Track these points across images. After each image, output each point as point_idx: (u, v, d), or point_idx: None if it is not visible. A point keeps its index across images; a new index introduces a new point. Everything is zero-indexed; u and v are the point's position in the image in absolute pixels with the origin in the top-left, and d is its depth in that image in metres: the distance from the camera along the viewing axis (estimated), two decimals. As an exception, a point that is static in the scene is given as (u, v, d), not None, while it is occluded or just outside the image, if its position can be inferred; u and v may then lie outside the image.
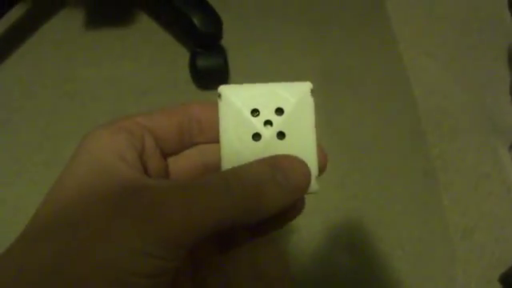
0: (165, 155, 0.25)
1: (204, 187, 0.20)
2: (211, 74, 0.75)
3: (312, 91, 0.23)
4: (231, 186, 0.20)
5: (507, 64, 0.92)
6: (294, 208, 0.24)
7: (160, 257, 0.18)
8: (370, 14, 0.94)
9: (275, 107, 0.23)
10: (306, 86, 0.23)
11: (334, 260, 0.64)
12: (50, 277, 0.18)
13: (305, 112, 0.23)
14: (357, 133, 0.76)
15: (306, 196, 0.24)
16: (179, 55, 0.81)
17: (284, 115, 0.23)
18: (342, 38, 0.89)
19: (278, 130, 0.23)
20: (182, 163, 0.26)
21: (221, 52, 0.75)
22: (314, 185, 0.23)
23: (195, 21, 0.72)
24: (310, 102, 0.23)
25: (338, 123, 0.77)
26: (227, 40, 0.77)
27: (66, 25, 0.84)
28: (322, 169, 0.24)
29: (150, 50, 0.82)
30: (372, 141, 0.76)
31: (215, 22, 0.74)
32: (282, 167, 0.21)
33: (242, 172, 0.21)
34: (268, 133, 0.23)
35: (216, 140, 0.23)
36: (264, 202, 0.20)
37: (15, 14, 0.82)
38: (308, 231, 0.65)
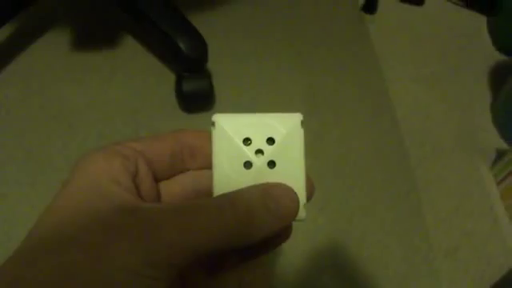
0: (156, 180, 0.26)
1: (198, 210, 0.21)
2: (197, 98, 0.76)
3: (302, 122, 0.24)
4: (224, 209, 0.21)
5: (488, 83, 0.94)
6: (282, 234, 0.25)
7: (152, 277, 0.19)
8: (352, 37, 0.96)
9: (267, 137, 0.24)
10: (296, 118, 0.24)
11: (318, 281, 0.64)
12: None
13: (295, 142, 0.24)
14: (341, 154, 0.77)
15: (293, 223, 0.25)
16: (166, 77, 0.82)
17: (275, 145, 0.24)
18: (327, 61, 0.90)
19: (268, 159, 0.24)
20: (174, 188, 0.26)
21: (206, 76, 0.76)
22: (301, 212, 0.24)
23: (181, 45, 0.73)
24: (299, 133, 0.24)
25: (323, 145, 0.78)
26: (213, 63, 0.78)
27: (53, 45, 0.84)
28: (309, 197, 0.25)
29: (137, 72, 0.83)
30: (356, 162, 0.77)
31: (201, 45, 0.75)
32: (272, 194, 0.22)
33: (234, 197, 0.22)
34: (259, 161, 0.24)
35: (207, 166, 0.24)
36: (255, 226, 0.21)
37: (2, 33, 0.83)
38: (293, 252, 0.66)
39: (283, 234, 0.25)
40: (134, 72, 0.83)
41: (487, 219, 0.75)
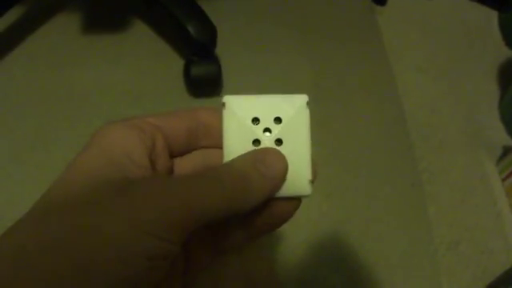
0: (171, 155, 0.26)
1: (200, 178, 0.22)
2: (205, 83, 0.76)
3: (308, 103, 0.25)
4: (221, 177, 0.22)
5: (496, 79, 0.94)
6: (282, 214, 0.26)
7: (161, 237, 0.19)
8: (361, 27, 0.96)
9: (274, 116, 0.25)
10: (302, 99, 0.25)
11: (319, 270, 0.65)
12: (51, 253, 0.18)
13: (301, 121, 0.25)
14: (346, 144, 0.77)
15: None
16: (174, 62, 0.82)
17: (282, 124, 0.25)
18: (334, 50, 0.90)
19: (276, 137, 0.25)
20: (186, 165, 0.27)
21: (215, 61, 0.76)
22: (306, 188, 0.25)
23: (190, 29, 0.73)
24: (306, 113, 0.25)
25: (328, 134, 0.78)
26: (221, 49, 0.78)
27: (62, 28, 0.84)
28: (314, 175, 0.26)
29: (145, 56, 0.83)
30: (360, 152, 0.77)
31: (210, 31, 0.75)
32: (262, 158, 0.24)
33: (230, 165, 0.24)
34: (267, 139, 0.25)
35: (220, 145, 0.25)
36: (250, 189, 0.23)
37: (12, 15, 0.83)
38: (294, 240, 0.66)
39: (283, 213, 0.26)
40: (142, 56, 0.83)
41: (490, 215, 0.75)
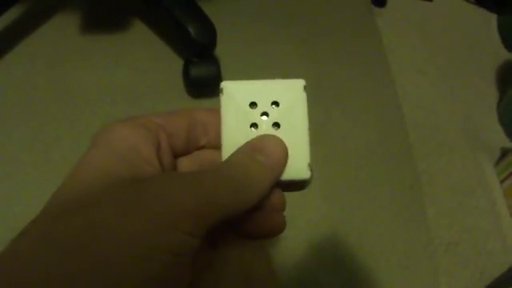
0: (174, 154, 0.26)
1: (212, 173, 0.22)
2: (204, 84, 0.76)
3: (305, 87, 0.25)
4: (222, 172, 0.22)
5: (494, 81, 0.94)
6: (276, 223, 0.25)
7: (185, 231, 0.19)
8: (361, 29, 0.96)
9: (271, 100, 0.25)
10: (299, 83, 0.26)
11: (318, 271, 0.65)
12: (77, 250, 0.18)
13: (298, 105, 0.25)
14: (345, 145, 0.78)
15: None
16: (173, 62, 0.82)
17: (279, 107, 0.25)
18: (333, 51, 0.90)
19: (273, 121, 0.25)
20: (187, 165, 0.27)
21: (214, 61, 0.76)
22: (305, 172, 0.25)
23: (190, 30, 0.73)
24: (303, 97, 0.25)
25: (327, 135, 0.78)
26: (220, 49, 0.78)
27: (61, 28, 0.84)
28: None
29: (145, 56, 0.83)
30: (360, 153, 0.77)
31: (210, 31, 0.75)
32: (259, 148, 0.24)
33: (229, 159, 0.24)
34: (264, 123, 0.25)
35: (219, 142, 0.25)
36: (250, 181, 0.22)
37: (11, 15, 0.83)
38: (294, 241, 0.66)
39: (277, 222, 0.25)
40: (142, 56, 0.83)
41: (489, 216, 0.75)
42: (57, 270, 0.17)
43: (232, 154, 0.24)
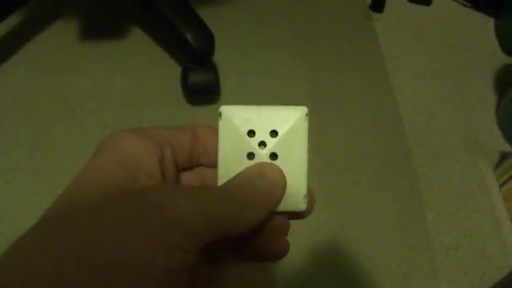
0: (178, 168, 0.26)
1: (212, 188, 0.23)
2: (202, 90, 0.76)
3: (307, 116, 0.24)
4: (222, 190, 0.22)
5: (493, 85, 0.94)
6: (279, 244, 0.26)
7: (183, 248, 0.19)
8: (359, 34, 0.96)
9: (270, 129, 0.24)
10: (301, 111, 0.24)
11: (318, 277, 0.65)
12: (74, 259, 0.18)
13: (298, 135, 0.24)
14: (344, 151, 0.78)
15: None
16: (171, 69, 0.82)
17: (278, 137, 0.24)
18: (332, 57, 0.90)
19: (271, 151, 0.24)
20: (189, 180, 0.27)
21: (212, 68, 0.77)
22: (300, 203, 0.24)
23: (188, 37, 0.73)
24: (303, 127, 0.24)
25: (326, 141, 0.78)
26: (219, 56, 0.78)
27: (60, 35, 0.85)
28: (308, 208, 0.25)
29: (143, 63, 0.83)
30: (358, 159, 0.77)
31: (208, 38, 0.75)
32: (258, 174, 0.23)
33: (229, 181, 0.23)
34: (262, 153, 0.24)
35: (216, 165, 0.25)
36: (248, 204, 0.22)
37: (10, 22, 0.83)
38: (294, 247, 0.66)
39: (279, 246, 0.26)
40: (140, 63, 0.83)
41: (488, 220, 0.75)
42: (51, 278, 0.17)
43: (233, 177, 0.23)
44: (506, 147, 0.84)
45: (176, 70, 0.81)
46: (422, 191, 0.75)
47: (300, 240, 0.66)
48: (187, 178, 0.27)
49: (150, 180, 0.22)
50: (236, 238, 0.23)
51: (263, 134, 0.24)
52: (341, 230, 0.69)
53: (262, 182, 0.23)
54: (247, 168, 0.24)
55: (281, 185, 0.24)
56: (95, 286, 0.17)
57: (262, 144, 0.24)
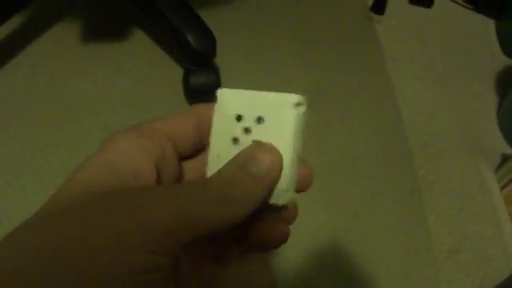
0: (181, 159, 0.26)
1: (186, 186, 0.22)
2: (204, 92, 0.76)
3: (298, 104, 0.23)
4: (208, 183, 0.22)
5: (494, 87, 0.94)
6: (278, 232, 0.25)
7: (149, 250, 0.19)
8: (360, 36, 0.96)
9: (257, 115, 0.23)
10: (290, 98, 0.23)
11: (318, 279, 0.65)
12: (36, 259, 0.18)
13: (285, 123, 0.23)
14: (345, 152, 0.78)
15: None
16: (173, 71, 0.82)
17: (263, 124, 0.23)
18: (333, 59, 0.90)
19: (253, 138, 0.23)
20: (196, 167, 0.27)
21: (214, 70, 0.77)
22: (288, 196, 0.23)
23: (190, 39, 0.73)
24: (291, 115, 0.22)
25: (327, 143, 0.78)
26: (220, 58, 0.78)
27: (61, 37, 0.85)
28: (306, 184, 0.24)
29: (145, 65, 0.83)
30: (359, 161, 0.77)
31: (209, 40, 0.75)
32: (251, 156, 0.22)
33: (219, 170, 0.22)
34: (245, 139, 0.23)
35: None
36: (238, 194, 0.21)
37: (11, 25, 0.83)
38: (295, 249, 0.66)
39: (280, 233, 0.25)
40: (141, 64, 0.83)
41: (489, 223, 0.75)
42: (13, 275, 0.18)
43: (224, 165, 0.22)
44: (507, 149, 0.84)
45: (177, 72, 0.81)
46: (422, 193, 0.75)
47: (300, 242, 0.66)
48: (190, 167, 0.26)
49: (137, 181, 0.22)
50: (234, 229, 0.22)
51: (249, 121, 0.23)
52: (341, 231, 0.69)
53: (254, 166, 0.22)
54: (243, 150, 0.22)
55: (274, 168, 0.22)
56: (54, 285, 0.18)
57: (248, 130, 0.23)
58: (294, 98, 0.23)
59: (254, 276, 0.27)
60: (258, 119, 0.23)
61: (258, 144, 0.22)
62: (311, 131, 0.82)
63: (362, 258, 0.67)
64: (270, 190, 0.22)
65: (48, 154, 0.71)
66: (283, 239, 0.25)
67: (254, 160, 0.22)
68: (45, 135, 0.73)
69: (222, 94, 0.24)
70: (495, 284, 0.68)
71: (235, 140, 0.23)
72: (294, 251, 0.66)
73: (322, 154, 0.76)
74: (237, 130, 0.23)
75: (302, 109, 0.23)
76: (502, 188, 0.78)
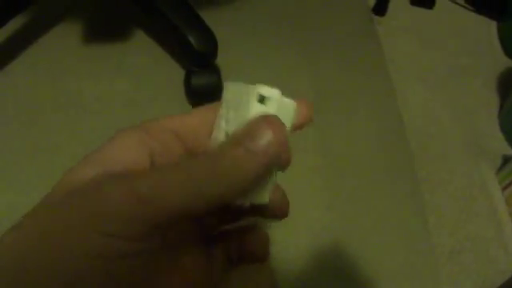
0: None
1: (164, 170, 0.21)
2: (205, 93, 0.76)
3: (267, 99, 0.22)
4: (191, 164, 0.21)
5: (495, 89, 0.94)
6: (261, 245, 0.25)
7: (108, 233, 0.19)
8: (361, 38, 0.96)
9: (237, 108, 0.23)
10: (261, 91, 0.22)
11: (320, 280, 0.65)
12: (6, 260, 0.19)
13: (247, 114, 0.22)
14: (346, 154, 0.78)
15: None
16: (174, 72, 0.82)
17: (237, 113, 0.23)
18: (334, 60, 0.90)
19: (227, 131, 0.23)
20: None
21: (215, 71, 0.77)
22: (262, 196, 0.23)
23: (191, 40, 0.73)
24: (254, 107, 0.22)
25: (328, 145, 0.78)
26: (221, 58, 0.78)
27: (63, 38, 0.85)
28: (306, 118, 0.24)
29: (146, 66, 0.84)
30: (361, 162, 0.77)
31: (211, 41, 0.75)
32: (248, 132, 0.21)
33: (215, 150, 0.22)
34: (225, 129, 0.23)
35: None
36: (221, 171, 0.20)
37: (13, 25, 0.84)
38: (296, 249, 0.66)
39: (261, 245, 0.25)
40: (143, 65, 0.83)
41: (491, 224, 0.75)
42: None
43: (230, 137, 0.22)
44: (509, 150, 0.84)
45: (179, 72, 0.81)
46: (424, 194, 0.75)
47: (302, 243, 0.67)
48: None
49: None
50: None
51: (232, 112, 0.23)
52: (343, 233, 0.69)
53: (250, 141, 0.20)
54: (237, 130, 0.22)
55: (271, 144, 0.20)
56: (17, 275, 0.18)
57: (227, 122, 0.23)
58: (261, 90, 0.22)
59: (254, 277, 0.27)
60: (235, 109, 0.23)
61: (261, 118, 0.21)
62: (312, 132, 0.82)
63: (363, 259, 0.67)
64: (267, 169, 0.21)
65: (49, 154, 0.71)
66: (264, 250, 0.25)
67: (251, 134, 0.21)
68: (47, 135, 0.73)
69: (227, 86, 0.24)
70: (496, 285, 0.68)
71: (222, 131, 0.23)
72: (296, 252, 0.66)
73: (323, 155, 0.76)
74: (223, 120, 0.23)
75: (272, 101, 0.22)
76: (504, 189, 0.78)
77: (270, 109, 0.22)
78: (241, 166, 0.20)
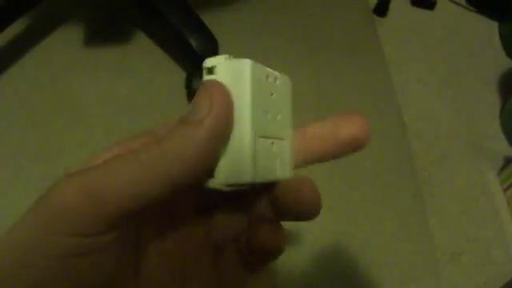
0: None
1: (113, 159, 0.20)
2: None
3: (213, 68, 0.21)
4: (147, 146, 0.20)
5: (497, 89, 0.94)
6: (275, 245, 0.25)
7: (64, 232, 0.19)
8: (362, 39, 0.96)
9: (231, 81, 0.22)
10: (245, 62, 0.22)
11: (321, 282, 0.65)
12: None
13: (240, 88, 0.21)
14: (347, 156, 0.77)
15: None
16: (176, 74, 0.82)
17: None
18: (335, 61, 0.90)
19: None
20: None
21: (216, 73, 0.77)
22: (247, 173, 0.21)
23: (192, 42, 0.74)
24: (246, 79, 0.21)
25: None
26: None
27: (64, 41, 0.85)
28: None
29: (147, 68, 0.84)
30: (361, 164, 0.77)
31: (212, 44, 0.75)
32: (192, 104, 0.21)
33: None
34: None
35: None
36: (173, 144, 0.19)
37: (16, 27, 0.84)
38: (297, 253, 0.66)
39: (277, 246, 0.25)
40: (144, 68, 0.84)
41: (492, 225, 0.75)
42: None
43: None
44: (510, 152, 0.84)
45: (180, 75, 0.81)
46: (425, 196, 0.75)
47: (303, 245, 0.67)
48: None
49: None
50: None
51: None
52: (343, 234, 0.69)
53: (191, 113, 0.20)
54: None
55: (213, 108, 0.19)
56: None
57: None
58: (205, 63, 0.22)
59: (254, 280, 0.27)
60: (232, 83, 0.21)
61: (200, 87, 0.20)
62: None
63: (364, 261, 0.67)
64: (212, 140, 0.19)
65: (51, 156, 0.71)
66: (276, 244, 0.25)
67: (192, 107, 0.20)
68: (48, 138, 0.73)
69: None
70: (498, 287, 0.68)
71: None
72: (297, 254, 0.66)
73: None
74: None
75: (217, 68, 0.21)
76: (505, 190, 0.78)
77: (218, 77, 0.21)
78: (180, 143, 0.19)
